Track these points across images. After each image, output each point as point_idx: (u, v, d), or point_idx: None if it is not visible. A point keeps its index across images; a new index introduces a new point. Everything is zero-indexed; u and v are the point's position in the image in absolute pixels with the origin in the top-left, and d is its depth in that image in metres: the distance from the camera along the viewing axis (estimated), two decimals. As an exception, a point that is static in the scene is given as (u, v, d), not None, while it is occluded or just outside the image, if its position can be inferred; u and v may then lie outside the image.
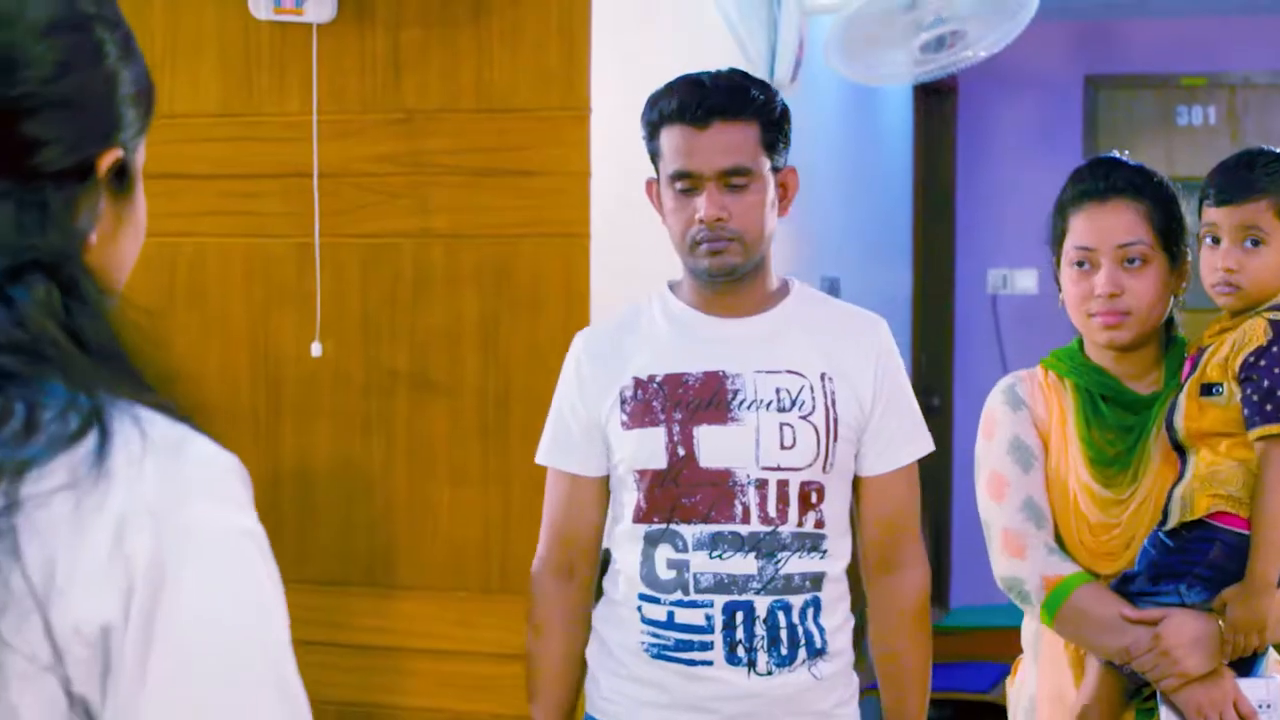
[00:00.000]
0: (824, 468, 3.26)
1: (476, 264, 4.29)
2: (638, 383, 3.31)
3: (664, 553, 3.27)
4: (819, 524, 3.27)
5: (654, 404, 3.28)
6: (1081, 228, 3.32)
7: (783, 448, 3.24)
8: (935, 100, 9.23)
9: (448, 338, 4.32)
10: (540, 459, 3.43)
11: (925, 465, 3.50)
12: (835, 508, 3.30)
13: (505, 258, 4.26)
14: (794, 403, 3.26)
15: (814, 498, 3.26)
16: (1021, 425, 3.38)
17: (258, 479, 4.58)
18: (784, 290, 3.40)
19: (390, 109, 4.34)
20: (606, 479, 3.39)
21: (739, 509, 3.23)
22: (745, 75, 3.31)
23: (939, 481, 8.75)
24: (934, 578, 3.60)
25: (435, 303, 4.33)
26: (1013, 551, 3.30)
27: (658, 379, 3.29)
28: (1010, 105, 9.50)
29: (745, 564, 3.23)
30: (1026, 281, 9.32)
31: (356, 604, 4.39)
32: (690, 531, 3.25)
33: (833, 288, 6.60)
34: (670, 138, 3.25)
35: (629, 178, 4.36)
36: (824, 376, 3.28)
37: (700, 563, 3.24)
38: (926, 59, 5.61)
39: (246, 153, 4.45)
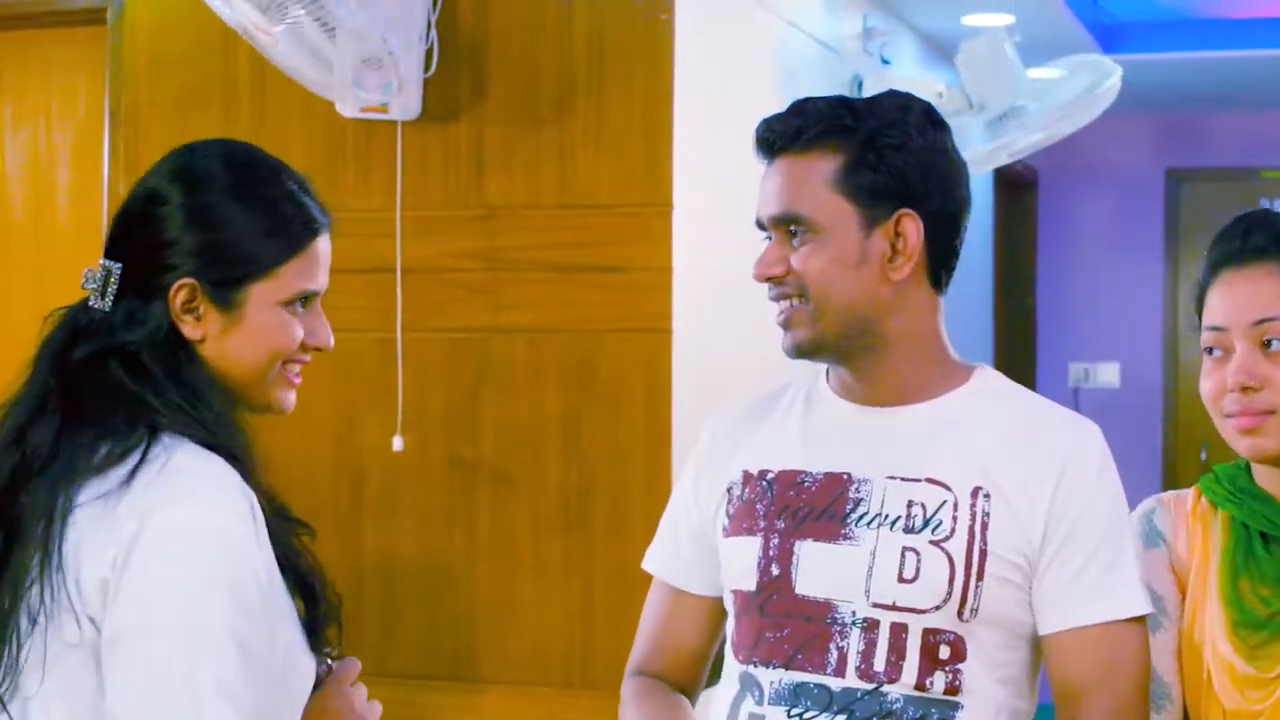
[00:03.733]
0: (960, 613, 2.40)
1: (559, 359, 4.30)
2: (746, 478, 2.57)
3: (746, 705, 2.50)
4: (952, 689, 2.40)
5: (757, 507, 2.53)
6: (1215, 302, 2.51)
7: (901, 580, 2.41)
8: (1016, 192, 9.22)
9: (530, 432, 4.32)
10: (645, 563, 2.76)
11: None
12: (984, 672, 2.43)
13: (587, 353, 4.27)
14: (927, 522, 2.43)
15: (944, 653, 2.41)
16: (1154, 568, 2.56)
17: (340, 572, 4.57)
18: (960, 377, 2.56)
19: (473, 205, 4.37)
20: (719, 601, 2.65)
21: (834, 655, 2.43)
22: (850, 100, 2.54)
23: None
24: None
25: (517, 397, 4.33)
26: None
27: (770, 475, 2.55)
28: (1091, 198, 9.48)
29: None
30: (1109, 375, 9.28)
31: (440, 699, 4.38)
32: (769, 679, 2.46)
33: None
34: None
35: (711, 273, 4.38)
36: (977, 492, 2.44)
37: None
38: (996, 145, 5.62)
39: (331, 248, 4.47)
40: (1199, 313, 2.54)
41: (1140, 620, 2.44)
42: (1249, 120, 9.33)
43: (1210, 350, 2.50)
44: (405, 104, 4.29)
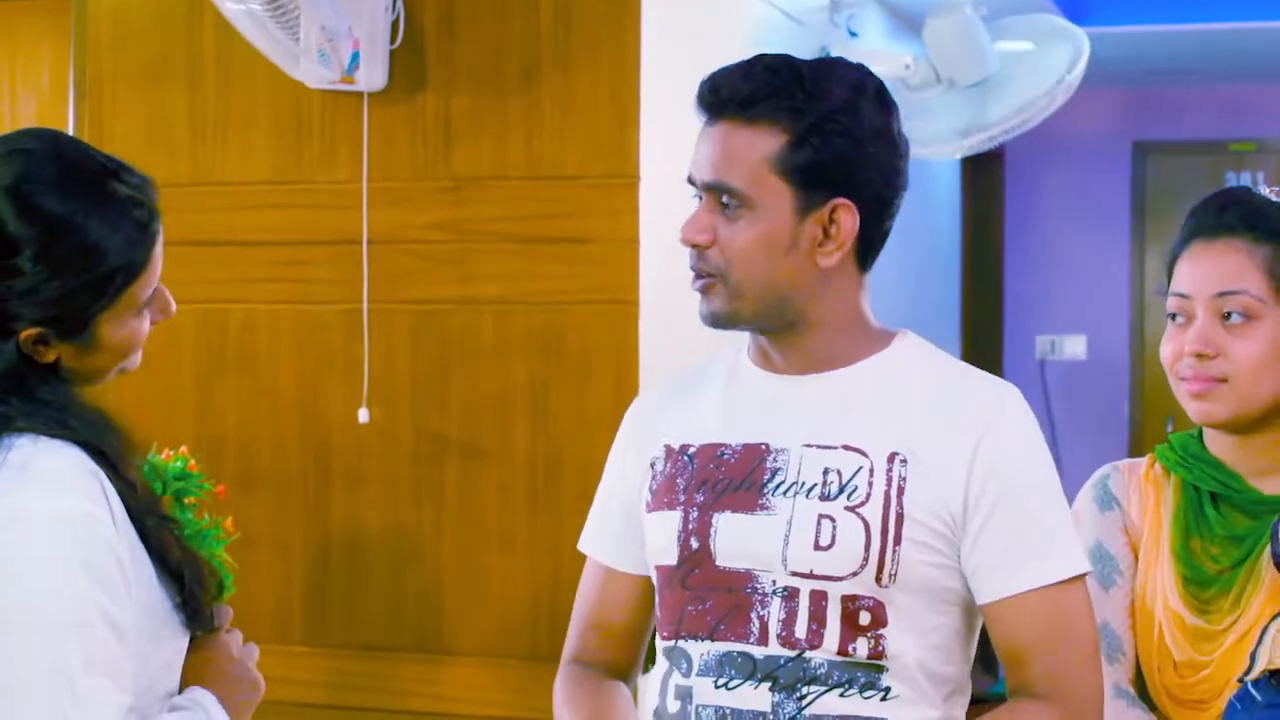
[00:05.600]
0: (879, 579, 2.38)
1: (525, 331, 4.29)
2: (668, 453, 2.56)
3: (674, 679, 2.49)
4: (876, 654, 2.39)
5: (678, 481, 2.52)
6: (1183, 271, 2.64)
7: (817, 547, 2.39)
8: (982, 166, 9.23)
9: (497, 404, 4.32)
10: (579, 543, 2.76)
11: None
12: (909, 637, 2.41)
13: (554, 325, 4.27)
14: (843, 489, 2.40)
15: (864, 619, 2.39)
16: (1108, 530, 2.70)
17: (306, 544, 4.59)
18: (880, 343, 2.53)
19: (440, 177, 4.36)
20: (650, 579, 2.62)
21: (755, 625, 2.42)
22: (801, 64, 2.45)
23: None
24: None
25: (484, 370, 4.33)
26: None
27: (691, 450, 2.53)
28: (1058, 170, 9.50)
29: (756, 697, 2.40)
30: (1075, 347, 9.30)
31: (406, 670, 4.38)
32: (698, 651, 2.45)
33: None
34: None
35: (678, 245, 4.37)
36: (894, 457, 2.41)
37: (704, 693, 2.44)
38: (970, 132, 5.61)
39: (296, 220, 4.47)
40: (1169, 278, 2.67)
41: (1079, 579, 2.42)
42: (1216, 93, 9.35)
43: (1174, 316, 2.63)
44: (371, 76, 4.28)
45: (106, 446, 2.21)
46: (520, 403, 4.31)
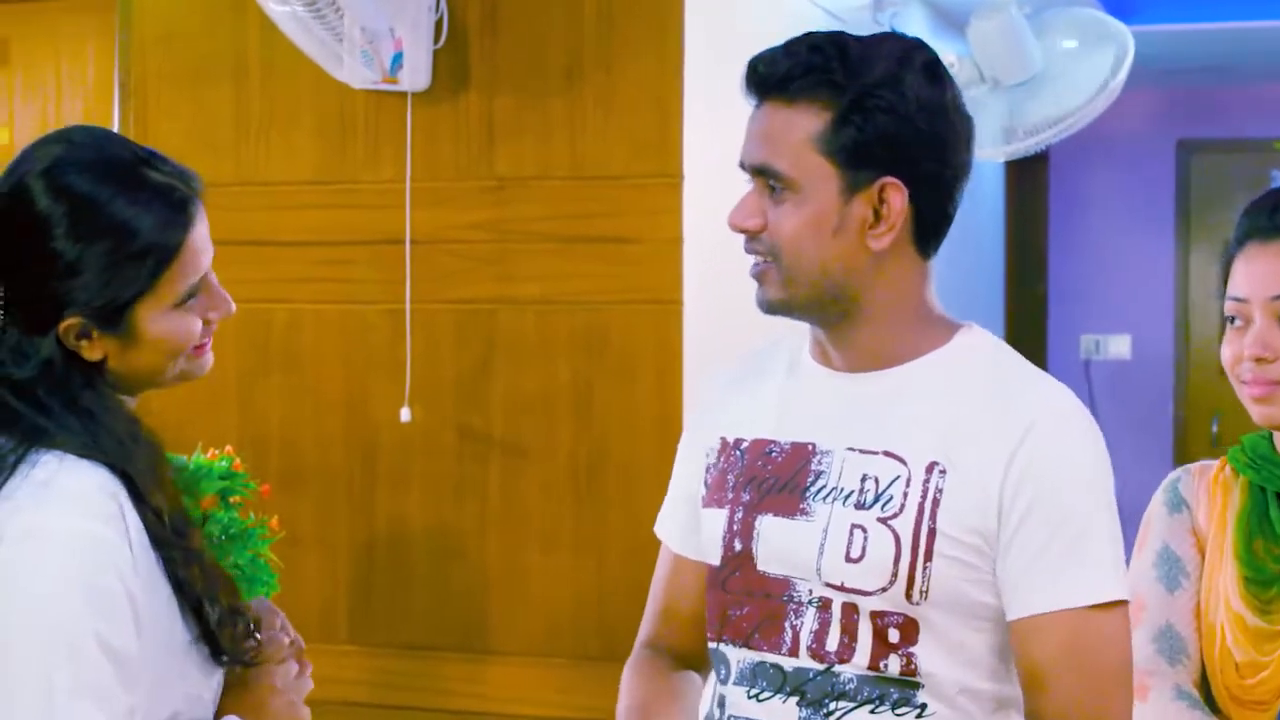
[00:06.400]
0: (909, 595, 2.26)
1: (568, 331, 4.29)
2: (723, 445, 2.48)
3: (715, 685, 2.45)
4: (908, 671, 2.28)
5: (729, 477, 2.44)
6: (1238, 274, 2.60)
7: (849, 559, 2.28)
8: (1027, 166, 9.18)
9: (540, 404, 4.32)
10: (655, 526, 2.66)
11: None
12: (942, 654, 2.29)
13: (597, 324, 4.27)
14: (877, 498, 2.29)
15: (893, 636, 2.28)
16: (1176, 532, 2.66)
17: (351, 543, 4.59)
18: (939, 339, 2.39)
19: (483, 176, 4.36)
20: None
21: (788, 634, 2.33)
22: (847, 39, 2.36)
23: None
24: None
25: (527, 369, 4.33)
26: (1137, 693, 2.39)
27: (744, 444, 2.45)
28: (1102, 170, 9.47)
29: (785, 712, 2.32)
30: (1120, 347, 9.27)
31: (450, 669, 4.39)
32: (736, 657, 2.39)
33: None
34: None
35: (721, 244, 4.36)
36: (932, 467, 2.28)
37: (736, 702, 2.38)
38: (1014, 131, 5.59)
39: (340, 220, 4.48)
40: (1224, 281, 2.64)
41: (1115, 606, 2.25)
42: (1260, 91, 9.30)
43: (1231, 319, 2.60)
44: (415, 76, 4.29)
45: (134, 470, 2.19)
46: (563, 402, 4.31)
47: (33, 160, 2.22)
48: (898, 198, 2.29)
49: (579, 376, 4.29)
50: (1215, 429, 8.98)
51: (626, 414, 4.24)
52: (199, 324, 2.30)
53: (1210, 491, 2.67)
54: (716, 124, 4.37)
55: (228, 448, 3.81)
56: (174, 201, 2.24)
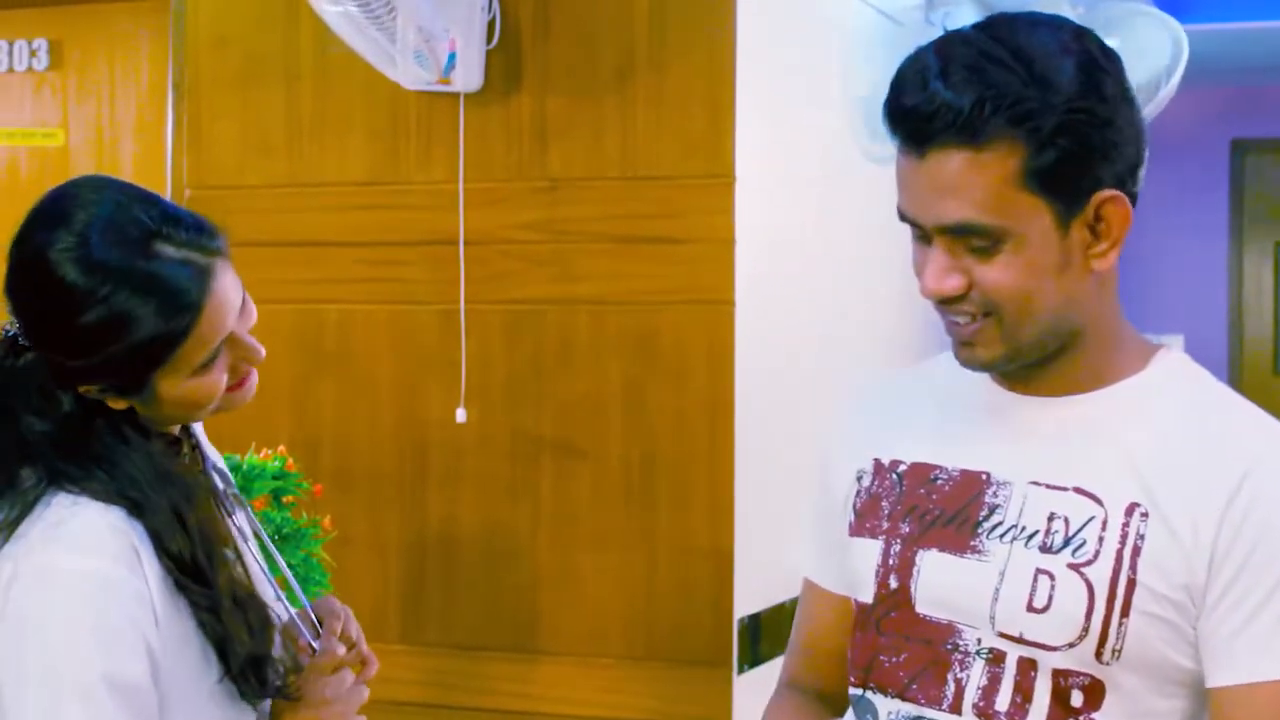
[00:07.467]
0: (1099, 654, 2.00)
1: (620, 331, 4.29)
2: (877, 468, 2.24)
3: None
4: None
5: (883, 504, 2.20)
6: None
7: (1031, 608, 2.03)
8: (1079, 165, 9.18)
9: (592, 404, 4.32)
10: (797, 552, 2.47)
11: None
12: None
13: (649, 325, 4.26)
14: (1068, 541, 2.03)
15: (1076, 699, 2.02)
16: None
17: (403, 543, 4.60)
18: (1136, 364, 2.15)
19: (535, 177, 4.36)
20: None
21: (950, 688, 2.08)
22: (1005, 53, 1.98)
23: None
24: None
25: (579, 369, 4.33)
26: None
27: (901, 468, 2.21)
28: (1155, 170, 9.35)
29: None
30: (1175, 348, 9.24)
31: (500, 669, 4.39)
32: (886, 708, 2.15)
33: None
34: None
35: (774, 245, 4.37)
36: (1133, 509, 2.02)
37: None
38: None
39: (393, 221, 4.49)
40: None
41: None
42: (1316, 91, 9.26)
43: None
44: (468, 76, 4.29)
45: (152, 520, 2.18)
46: (615, 403, 4.30)
47: (42, 235, 2.19)
48: (1117, 209, 2.07)
49: (630, 377, 4.29)
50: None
51: (678, 415, 4.23)
52: (223, 379, 2.29)
53: None
54: (769, 124, 4.36)
55: (280, 448, 3.82)
56: (184, 284, 2.19)
